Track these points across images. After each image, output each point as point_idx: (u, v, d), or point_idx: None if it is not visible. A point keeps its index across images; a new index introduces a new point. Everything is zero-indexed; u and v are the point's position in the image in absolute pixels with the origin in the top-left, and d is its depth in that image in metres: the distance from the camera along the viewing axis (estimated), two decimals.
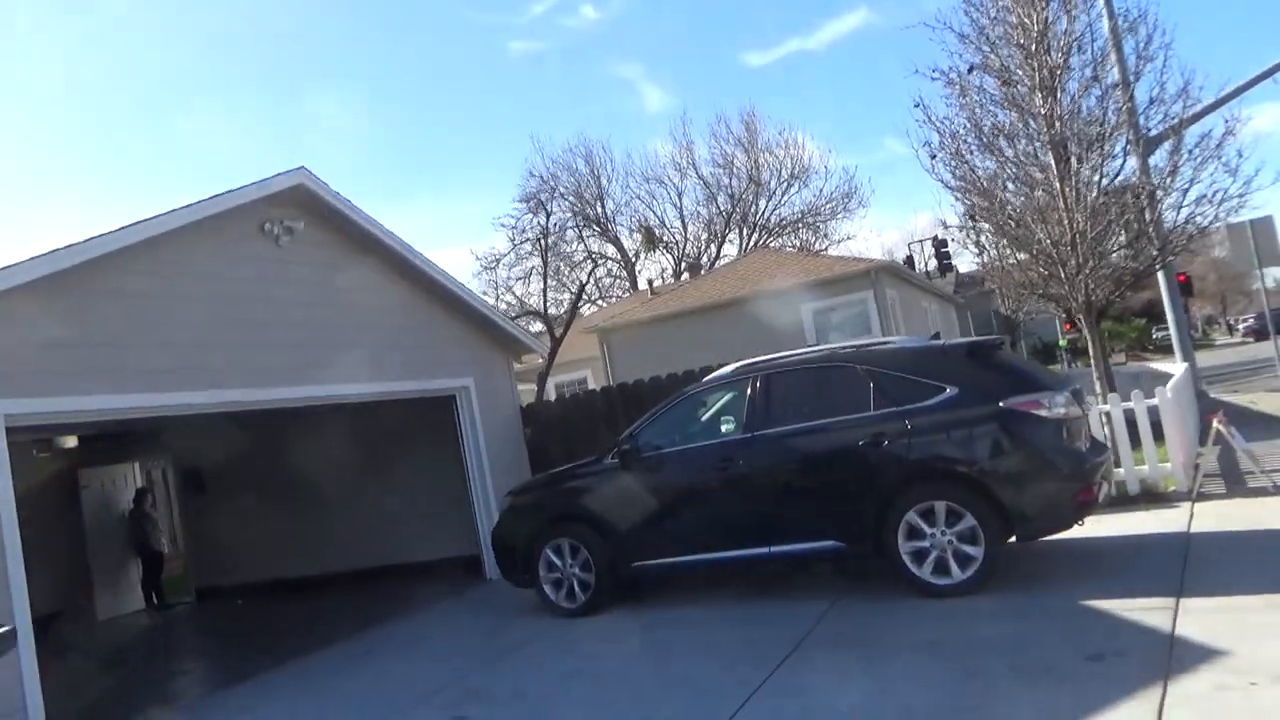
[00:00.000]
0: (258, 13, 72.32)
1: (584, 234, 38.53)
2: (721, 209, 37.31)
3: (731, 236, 37.93)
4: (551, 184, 37.29)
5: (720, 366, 8.52)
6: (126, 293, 7.35)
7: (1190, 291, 60.25)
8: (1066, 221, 10.49)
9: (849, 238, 39.02)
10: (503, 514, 8.47)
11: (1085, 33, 13.75)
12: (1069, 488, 6.31)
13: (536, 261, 17.30)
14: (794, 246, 36.23)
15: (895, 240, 73.99)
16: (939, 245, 31.25)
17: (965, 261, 35.60)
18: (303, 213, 9.06)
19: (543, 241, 17.66)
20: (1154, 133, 15.00)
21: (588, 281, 20.76)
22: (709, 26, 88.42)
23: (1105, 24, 14.16)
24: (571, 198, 37.65)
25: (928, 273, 33.48)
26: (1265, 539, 6.97)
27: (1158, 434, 9.15)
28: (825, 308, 16.38)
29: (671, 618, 7.40)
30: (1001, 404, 6.40)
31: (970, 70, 13.26)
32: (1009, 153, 11.61)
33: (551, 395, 18.81)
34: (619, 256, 38.72)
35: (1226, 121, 13.91)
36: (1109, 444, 8.52)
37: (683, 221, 38.41)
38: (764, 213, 37.17)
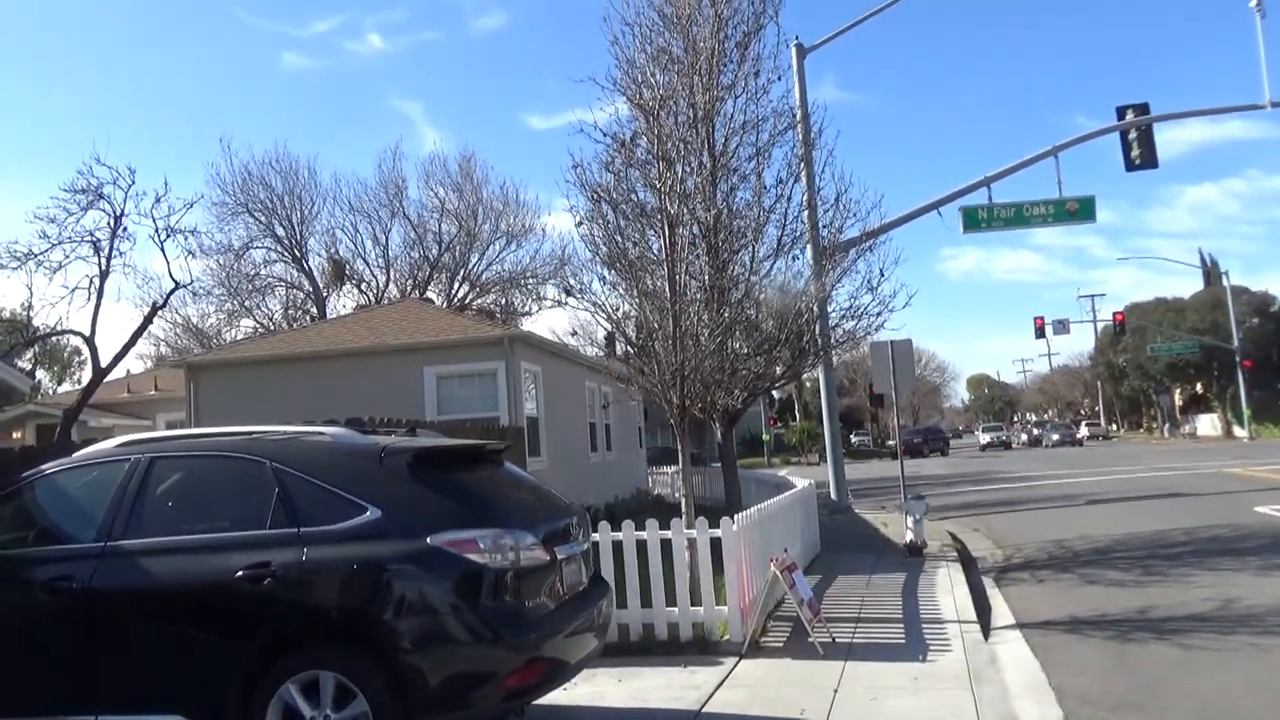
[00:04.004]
0: None
1: (272, 256, 34.90)
2: (428, 255, 34.96)
3: (438, 286, 35.63)
4: (242, 197, 33.51)
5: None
6: None
7: (881, 403, 64.78)
8: (672, 317, 9.24)
9: (561, 303, 37.86)
10: None
11: (755, 123, 13.19)
12: (496, 667, 4.54)
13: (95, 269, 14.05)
14: (498, 307, 34.56)
15: None
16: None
17: None
18: None
19: (104, 246, 14.40)
20: (816, 241, 14.73)
21: (164, 305, 17.47)
22: (497, 83, 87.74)
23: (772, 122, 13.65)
24: (261, 215, 33.96)
25: (627, 352, 32.67)
26: None
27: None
28: (451, 374, 14.45)
29: None
30: (429, 540, 4.59)
31: (632, 138, 12.11)
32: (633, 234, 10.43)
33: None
34: (311, 287, 35.26)
35: (863, 238, 13.83)
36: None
37: (386, 262, 35.69)
38: (474, 266, 35.24)
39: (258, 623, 4.63)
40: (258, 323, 35.15)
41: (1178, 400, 68.95)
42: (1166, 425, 70.25)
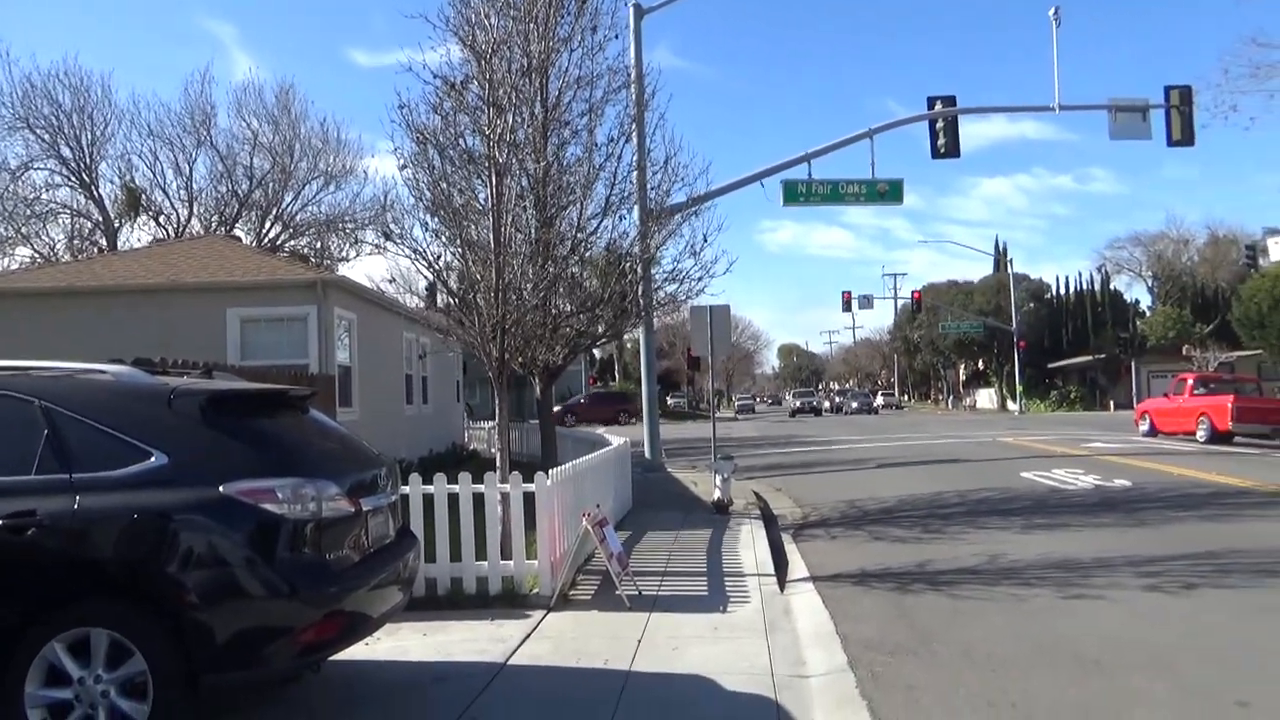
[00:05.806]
0: None
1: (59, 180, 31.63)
2: (237, 190, 32.67)
3: (248, 224, 33.42)
4: (21, 111, 30.09)
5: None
6: None
7: (698, 367, 66.84)
8: (495, 269, 9.07)
9: (381, 249, 36.49)
10: None
11: (589, 79, 13.06)
12: (291, 621, 4.35)
13: None
14: (312, 250, 32.90)
15: None
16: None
17: None
18: None
19: None
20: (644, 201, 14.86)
21: None
22: (320, 13, 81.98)
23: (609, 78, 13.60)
24: (45, 133, 30.64)
25: (448, 303, 31.96)
26: (578, 682, 5.67)
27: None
28: (257, 317, 13.66)
29: None
30: (222, 488, 4.32)
31: (463, 82, 11.71)
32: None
33: None
34: (100, 216, 32.23)
35: (690, 203, 14.09)
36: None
37: (189, 194, 33.09)
38: (288, 206, 33.29)
39: (19, 577, 4.23)
40: (36, 252, 31.90)
41: (962, 375, 75.06)
42: (951, 397, 76.35)
